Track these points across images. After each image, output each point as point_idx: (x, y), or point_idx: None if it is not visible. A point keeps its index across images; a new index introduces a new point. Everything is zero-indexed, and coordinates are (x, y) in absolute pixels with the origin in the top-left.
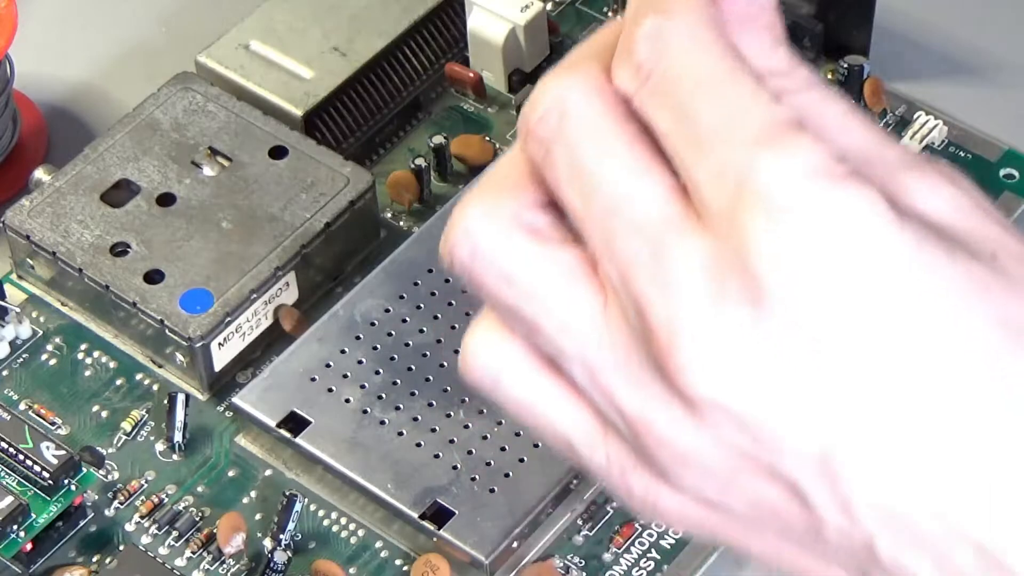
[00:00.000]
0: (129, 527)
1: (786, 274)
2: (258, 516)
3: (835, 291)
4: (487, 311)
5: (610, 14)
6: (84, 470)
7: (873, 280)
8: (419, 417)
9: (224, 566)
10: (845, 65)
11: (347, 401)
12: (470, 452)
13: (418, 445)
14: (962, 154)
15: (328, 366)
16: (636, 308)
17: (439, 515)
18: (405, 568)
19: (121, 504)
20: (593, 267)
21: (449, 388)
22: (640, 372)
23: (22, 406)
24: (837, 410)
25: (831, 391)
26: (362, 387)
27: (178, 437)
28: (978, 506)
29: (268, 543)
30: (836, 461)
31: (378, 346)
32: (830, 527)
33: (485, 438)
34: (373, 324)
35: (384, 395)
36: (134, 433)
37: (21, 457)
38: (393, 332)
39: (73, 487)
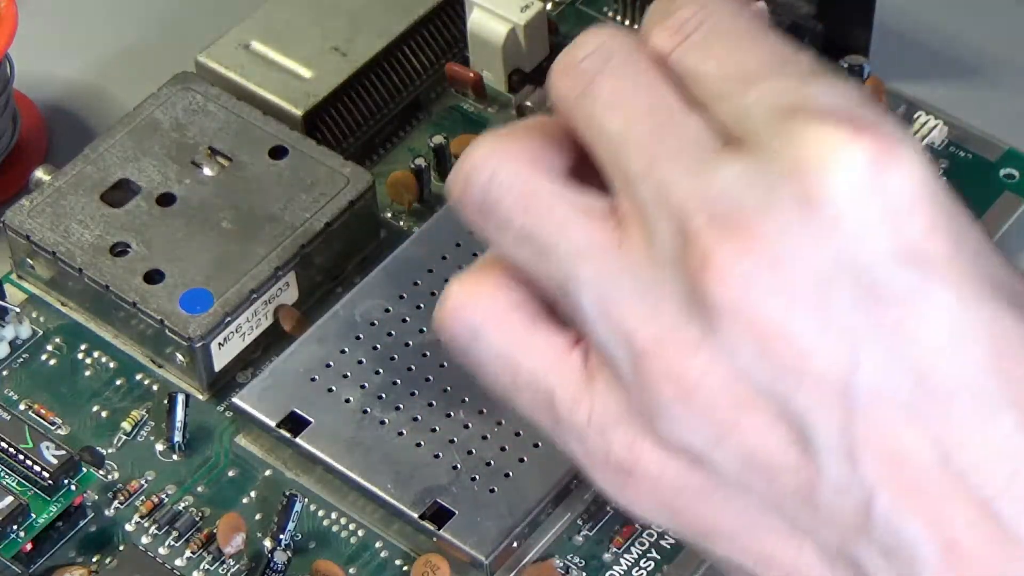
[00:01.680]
0: (129, 527)
1: (844, 182)
2: (258, 516)
3: (881, 204)
4: (478, 264)
5: (610, 14)
6: (84, 470)
7: (900, 191)
8: (419, 417)
9: (224, 566)
10: (845, 65)
11: (347, 401)
12: (470, 452)
13: (418, 445)
14: (962, 154)
15: (328, 366)
16: (676, 222)
17: (439, 515)
18: (405, 568)
19: (121, 504)
20: (610, 208)
21: (449, 388)
22: (658, 299)
23: (22, 406)
24: (866, 340)
25: (864, 320)
26: (362, 387)
27: (178, 437)
28: (991, 462)
29: (268, 543)
30: (855, 395)
31: (378, 346)
32: (826, 483)
33: (485, 438)
34: (373, 324)
35: (384, 395)
36: (134, 433)
37: (21, 457)
38: (393, 332)
39: (73, 487)
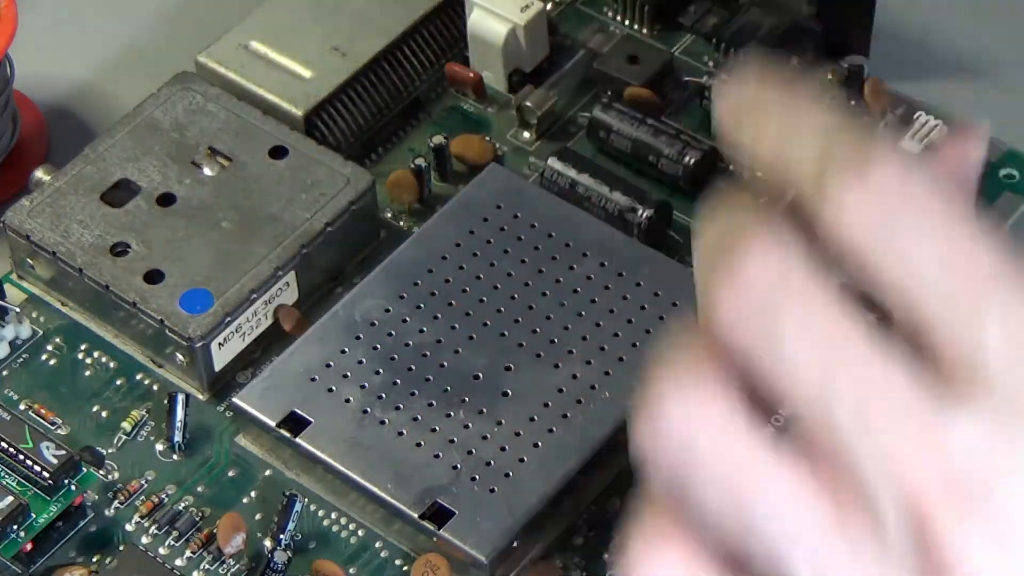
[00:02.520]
0: (129, 527)
1: None
2: (258, 516)
3: None
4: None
5: (610, 14)
6: (84, 470)
7: None
8: (419, 417)
9: (224, 566)
10: (845, 65)
11: (347, 401)
12: (470, 452)
13: (418, 445)
14: None
15: (328, 366)
16: (906, 501)
17: (439, 515)
18: (405, 568)
19: (121, 504)
20: (812, 460)
21: (449, 388)
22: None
23: (22, 406)
24: None
25: None
26: (362, 387)
27: (178, 437)
28: None
29: (268, 543)
30: None
31: (378, 346)
32: None
33: (485, 438)
34: (373, 324)
35: (384, 395)
36: (134, 433)
37: (21, 457)
38: (393, 332)
39: (73, 487)
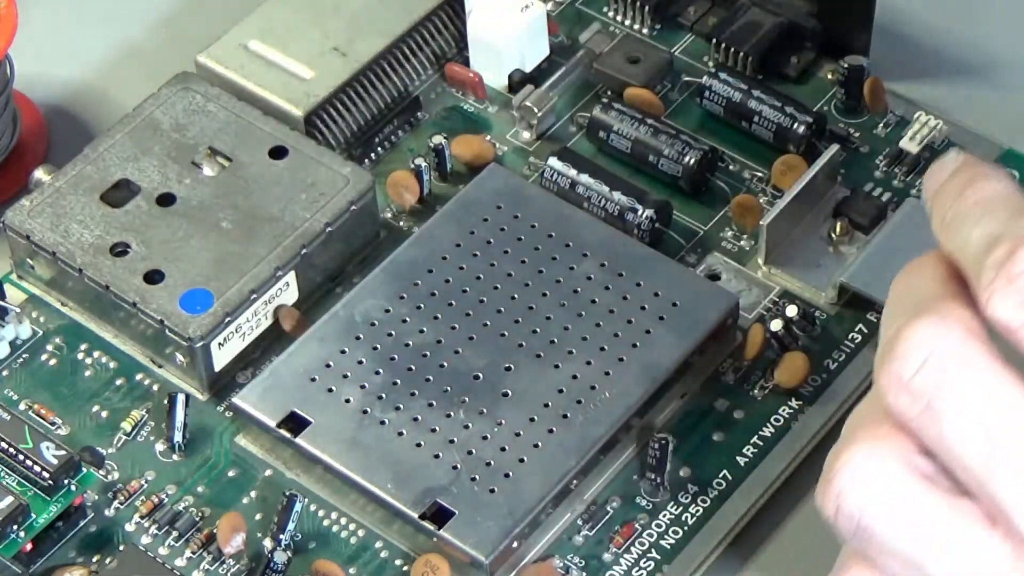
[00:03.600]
0: (129, 527)
1: None
2: (258, 516)
3: None
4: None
5: (610, 14)
6: (84, 470)
7: None
8: (419, 417)
9: (224, 566)
10: (845, 65)
11: (347, 401)
12: (470, 452)
13: (418, 445)
14: None
15: (328, 366)
16: None
17: (439, 515)
18: (405, 568)
19: (121, 504)
20: (991, 520)
21: (449, 388)
22: None
23: (22, 406)
24: None
25: None
26: (362, 387)
27: (178, 437)
28: None
29: (268, 543)
30: None
31: (378, 346)
32: None
33: (485, 438)
34: (373, 324)
35: (384, 395)
36: (134, 433)
37: (21, 457)
38: (393, 332)
39: (73, 487)
